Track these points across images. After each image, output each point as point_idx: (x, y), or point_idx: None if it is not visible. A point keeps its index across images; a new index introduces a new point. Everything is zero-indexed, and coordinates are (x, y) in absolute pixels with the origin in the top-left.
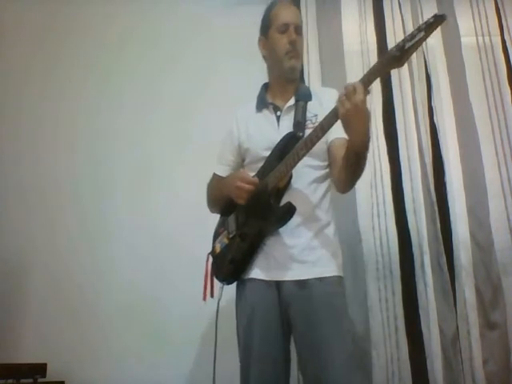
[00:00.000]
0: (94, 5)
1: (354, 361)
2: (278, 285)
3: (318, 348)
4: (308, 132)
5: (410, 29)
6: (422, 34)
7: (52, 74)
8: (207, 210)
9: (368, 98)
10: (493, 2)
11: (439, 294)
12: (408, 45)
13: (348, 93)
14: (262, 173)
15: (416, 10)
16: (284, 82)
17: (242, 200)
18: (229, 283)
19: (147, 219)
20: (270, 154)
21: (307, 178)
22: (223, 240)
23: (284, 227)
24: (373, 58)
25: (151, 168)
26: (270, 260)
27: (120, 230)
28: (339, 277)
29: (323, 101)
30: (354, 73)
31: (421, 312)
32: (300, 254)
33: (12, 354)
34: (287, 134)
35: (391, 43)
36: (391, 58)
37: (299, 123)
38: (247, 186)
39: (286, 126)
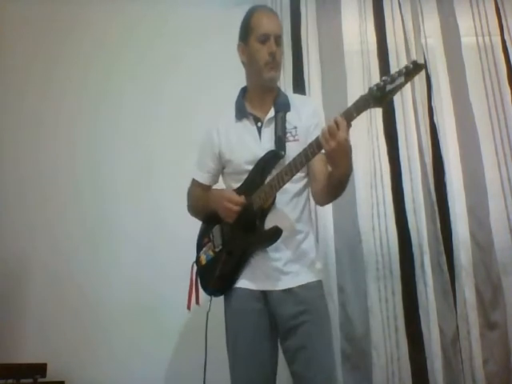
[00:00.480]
0: (94, 5)
1: (333, 359)
2: (265, 294)
3: (303, 346)
4: (289, 145)
5: (410, 29)
6: (402, 79)
7: (52, 74)
8: None
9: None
10: (493, 2)
11: (439, 293)
12: (389, 87)
13: (331, 130)
14: (245, 188)
15: (416, 10)
16: (262, 91)
17: (231, 219)
18: (216, 296)
19: (148, 218)
20: (253, 169)
21: (288, 194)
22: (209, 252)
23: None
24: (373, 58)
25: (152, 167)
26: (256, 272)
27: (121, 229)
28: (318, 281)
29: (301, 114)
30: (354, 73)
31: (421, 312)
32: (284, 266)
33: (12, 354)
34: (270, 152)
35: (391, 43)
36: (372, 97)
37: (280, 138)
38: (235, 208)
39: (268, 138)
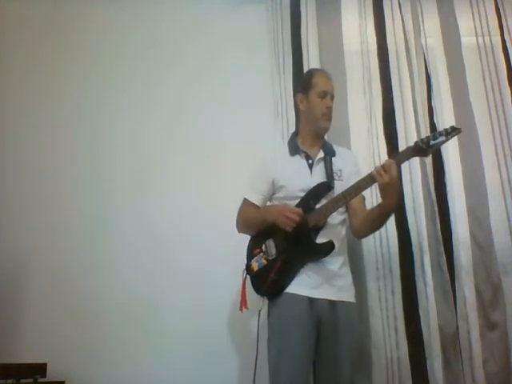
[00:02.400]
0: (94, 5)
1: (352, 375)
2: (310, 300)
3: (333, 359)
4: (336, 183)
5: (410, 29)
6: (443, 138)
7: (52, 74)
8: (206, 210)
9: (368, 98)
10: (493, 2)
11: (439, 293)
12: (432, 143)
13: (385, 167)
14: (299, 207)
15: (416, 9)
16: (315, 136)
17: (290, 228)
18: (269, 299)
19: (148, 219)
20: (306, 194)
21: (336, 220)
22: (261, 260)
23: None
24: (373, 58)
25: (151, 168)
26: (305, 279)
27: (120, 230)
28: (354, 303)
29: (347, 161)
30: (354, 73)
31: (421, 312)
32: (331, 279)
33: (12, 354)
34: (324, 182)
35: (391, 43)
36: (419, 149)
37: (330, 175)
38: (296, 217)
39: (318, 174)
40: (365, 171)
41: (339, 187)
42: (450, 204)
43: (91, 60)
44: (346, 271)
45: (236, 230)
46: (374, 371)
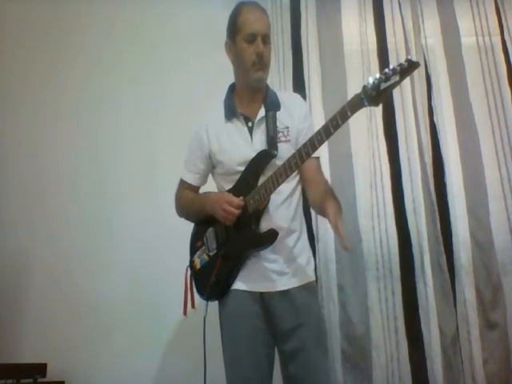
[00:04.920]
0: (95, 5)
1: (327, 359)
2: (262, 295)
3: (301, 348)
4: (280, 145)
5: (410, 29)
6: (397, 77)
7: (52, 74)
8: None
9: None
10: (493, 2)
11: (439, 293)
12: (383, 86)
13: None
14: (238, 189)
15: (416, 9)
16: (251, 90)
17: (230, 222)
18: (212, 301)
19: (149, 217)
20: (245, 170)
21: (282, 195)
22: (203, 256)
23: None
24: (373, 58)
25: (152, 167)
26: (252, 274)
27: (121, 228)
28: (312, 281)
29: (293, 114)
30: (354, 73)
31: (421, 312)
32: (281, 267)
33: (12, 354)
34: (262, 152)
35: (391, 43)
36: (367, 96)
37: (272, 138)
38: (236, 211)
39: (259, 139)
40: (365, 172)
41: (286, 149)
42: (450, 204)
43: (92, 60)
44: (300, 250)
45: None
46: (374, 371)
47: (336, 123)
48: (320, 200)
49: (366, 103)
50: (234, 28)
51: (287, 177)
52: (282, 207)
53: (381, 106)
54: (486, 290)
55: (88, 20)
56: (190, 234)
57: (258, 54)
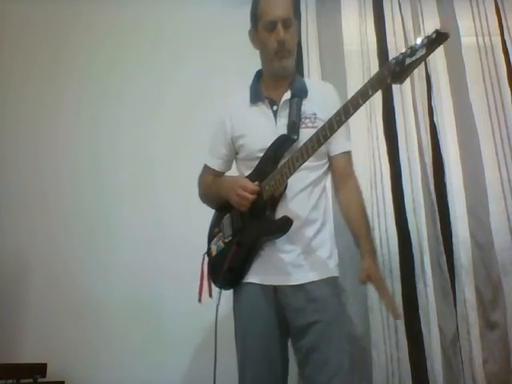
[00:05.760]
0: (95, 5)
1: (348, 361)
2: (275, 289)
3: (316, 347)
4: (305, 132)
5: (410, 29)
6: (424, 51)
7: (52, 74)
8: (210, 209)
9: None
10: (493, 2)
11: (439, 293)
12: (408, 61)
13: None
14: (256, 175)
15: (416, 9)
16: (277, 78)
17: (244, 208)
18: (226, 290)
19: (149, 217)
20: (264, 155)
21: (303, 182)
22: (219, 243)
23: None
24: (373, 58)
25: (152, 167)
26: (266, 265)
27: (121, 229)
28: (334, 277)
29: (323, 100)
30: (354, 73)
31: (421, 312)
32: (296, 259)
33: (12, 354)
34: (281, 137)
35: (391, 43)
36: (390, 73)
37: (294, 124)
38: (250, 196)
39: (283, 123)
40: (365, 172)
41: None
42: (450, 204)
43: (91, 60)
44: (321, 242)
45: None
46: (374, 371)
47: (356, 103)
48: (350, 221)
49: (389, 80)
50: (254, 16)
51: (303, 161)
52: (302, 195)
53: (381, 106)
54: (485, 290)
55: (88, 20)
56: (189, 234)
57: (280, 42)
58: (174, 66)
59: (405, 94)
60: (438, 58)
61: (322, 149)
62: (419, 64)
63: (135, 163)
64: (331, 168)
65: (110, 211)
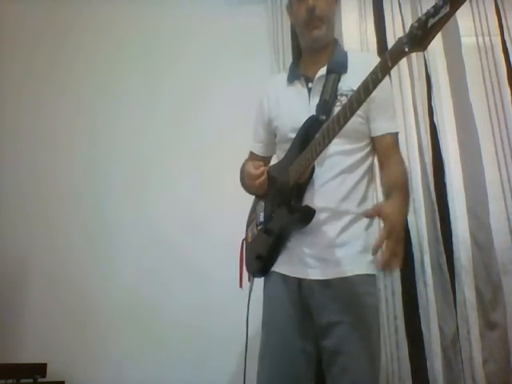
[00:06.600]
0: (94, 4)
1: (374, 371)
2: (300, 281)
3: (339, 351)
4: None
5: None
6: (447, 8)
7: (52, 74)
8: (207, 209)
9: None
10: (493, 2)
11: (439, 293)
12: (431, 22)
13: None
14: (285, 162)
15: (416, 10)
16: (314, 51)
17: (262, 192)
18: (257, 277)
19: (147, 220)
20: (294, 138)
21: (334, 169)
22: (254, 230)
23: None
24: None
25: (150, 168)
26: (292, 257)
27: (120, 230)
28: (368, 275)
29: (364, 75)
30: None
31: (421, 312)
32: (322, 253)
33: (12, 354)
34: (310, 118)
35: (391, 43)
36: (411, 38)
37: (325, 103)
38: (258, 182)
39: (317, 102)
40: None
41: None
42: (450, 204)
43: (90, 59)
44: (353, 236)
45: None
46: None
47: (376, 77)
48: (385, 191)
49: (407, 48)
50: None
51: (325, 146)
52: (332, 184)
53: None
54: (485, 290)
55: (87, 19)
56: (187, 239)
57: (308, 10)
58: (172, 65)
59: (405, 94)
60: (438, 58)
61: (360, 129)
62: (443, 26)
63: (134, 163)
64: (379, 152)
65: (108, 213)
